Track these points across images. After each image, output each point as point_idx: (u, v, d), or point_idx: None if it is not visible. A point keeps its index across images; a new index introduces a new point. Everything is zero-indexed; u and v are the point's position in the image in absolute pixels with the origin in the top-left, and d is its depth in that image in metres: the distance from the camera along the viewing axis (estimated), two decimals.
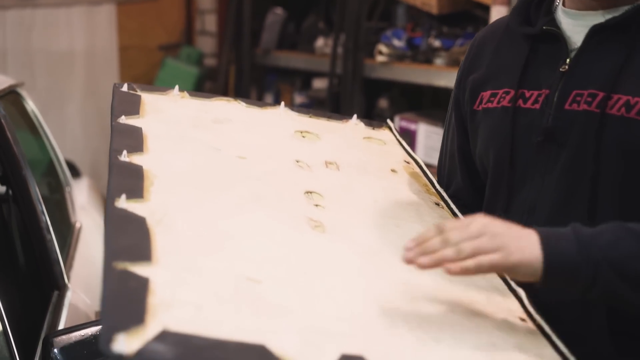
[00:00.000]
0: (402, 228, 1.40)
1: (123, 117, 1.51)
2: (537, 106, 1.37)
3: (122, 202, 1.19)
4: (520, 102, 1.40)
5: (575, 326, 1.31)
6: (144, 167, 1.33)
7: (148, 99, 1.64)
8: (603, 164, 1.29)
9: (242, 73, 4.95)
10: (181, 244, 1.15)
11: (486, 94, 1.48)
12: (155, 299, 1.00)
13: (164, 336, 0.94)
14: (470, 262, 1.12)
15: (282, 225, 1.30)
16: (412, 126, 3.70)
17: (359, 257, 1.28)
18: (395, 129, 1.84)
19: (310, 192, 1.44)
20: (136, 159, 1.36)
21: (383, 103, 3.92)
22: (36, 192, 2.23)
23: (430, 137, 3.61)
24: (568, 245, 1.15)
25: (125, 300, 0.99)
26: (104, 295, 0.98)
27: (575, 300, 1.28)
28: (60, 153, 3.21)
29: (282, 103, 1.76)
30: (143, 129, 1.48)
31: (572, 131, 1.32)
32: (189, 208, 1.26)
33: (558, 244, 1.15)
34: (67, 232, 2.70)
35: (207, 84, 5.29)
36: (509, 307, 1.25)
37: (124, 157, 1.35)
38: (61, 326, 1.99)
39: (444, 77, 3.34)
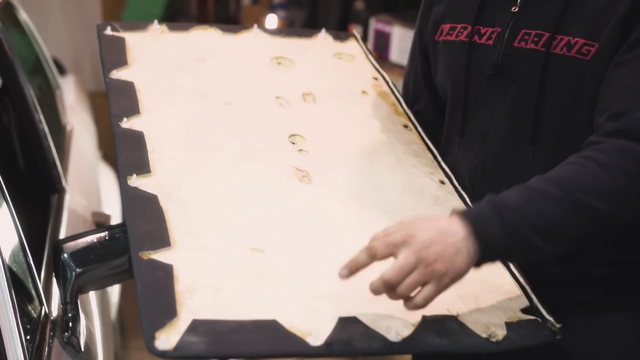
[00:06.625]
0: (376, 163, 1.59)
1: (114, 71, 1.66)
2: (490, 42, 1.50)
3: (134, 181, 1.39)
4: (476, 37, 1.52)
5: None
6: (145, 132, 1.51)
7: (132, 40, 1.79)
8: (546, 98, 1.42)
9: None
10: (192, 220, 1.34)
11: (446, 27, 1.60)
12: (181, 286, 1.19)
13: (194, 326, 1.13)
14: (413, 306, 1.20)
15: (273, 182, 1.49)
16: (386, 28, 3.82)
17: (342, 205, 1.47)
18: (361, 39, 2.02)
19: (294, 135, 1.62)
20: (135, 123, 1.54)
21: (359, 4, 4.02)
22: (33, 101, 2.36)
23: (404, 40, 3.72)
24: (494, 231, 1.21)
25: (157, 293, 1.17)
26: (139, 290, 1.17)
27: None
28: (48, 54, 3.29)
29: (255, 25, 1.93)
30: (135, 83, 1.65)
31: (519, 67, 1.45)
32: (191, 174, 1.45)
33: (485, 235, 1.21)
34: (60, 134, 2.80)
35: None
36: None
37: (125, 123, 1.53)
38: (63, 228, 2.16)
39: None
